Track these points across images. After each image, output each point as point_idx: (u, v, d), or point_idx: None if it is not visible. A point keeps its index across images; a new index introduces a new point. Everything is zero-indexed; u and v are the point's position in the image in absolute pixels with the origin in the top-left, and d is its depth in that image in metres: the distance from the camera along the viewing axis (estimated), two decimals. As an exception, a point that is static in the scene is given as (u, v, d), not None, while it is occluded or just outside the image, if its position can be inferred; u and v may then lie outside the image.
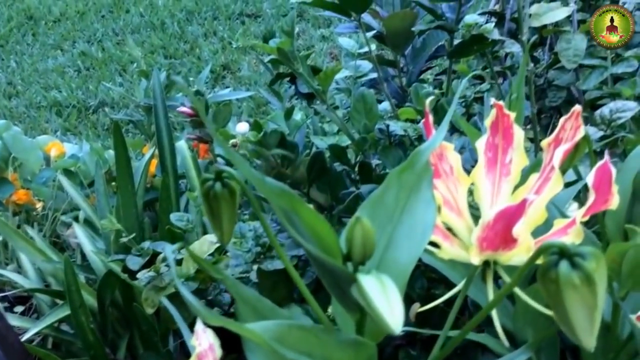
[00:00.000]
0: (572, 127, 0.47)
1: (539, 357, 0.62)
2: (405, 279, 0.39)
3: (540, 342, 0.56)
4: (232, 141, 0.79)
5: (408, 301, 0.40)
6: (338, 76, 0.97)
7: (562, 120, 0.47)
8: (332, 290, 0.38)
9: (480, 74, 1.18)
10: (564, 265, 0.34)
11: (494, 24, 1.02)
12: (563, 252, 0.34)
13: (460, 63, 0.95)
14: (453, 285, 0.49)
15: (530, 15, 1.04)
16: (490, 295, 0.43)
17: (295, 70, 0.77)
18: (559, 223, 0.45)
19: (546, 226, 0.45)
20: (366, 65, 0.99)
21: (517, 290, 0.37)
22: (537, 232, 0.45)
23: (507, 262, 0.44)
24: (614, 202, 0.43)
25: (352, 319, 0.40)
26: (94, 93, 2.98)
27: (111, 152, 1.59)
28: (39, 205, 1.67)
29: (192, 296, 0.36)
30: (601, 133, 0.78)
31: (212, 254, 0.83)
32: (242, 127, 0.77)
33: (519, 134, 0.49)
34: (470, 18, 0.88)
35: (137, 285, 0.98)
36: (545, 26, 1.18)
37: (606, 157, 0.45)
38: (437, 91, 0.90)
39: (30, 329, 1.15)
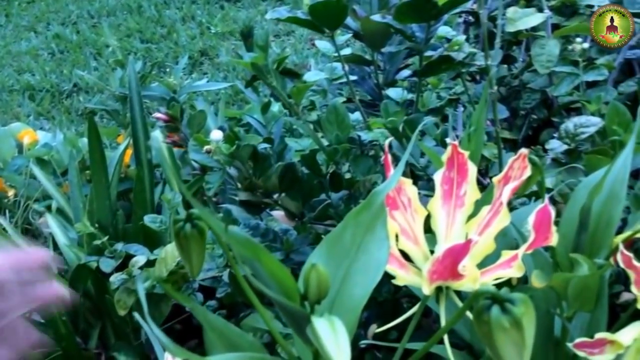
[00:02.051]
0: (520, 167, 0.53)
1: None
2: (358, 311, 0.43)
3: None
4: (206, 147, 0.79)
5: (374, 305, 0.43)
6: (316, 78, 0.98)
7: (510, 160, 0.52)
8: (292, 326, 0.42)
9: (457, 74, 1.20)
10: (495, 310, 0.38)
11: (461, 32, 1.04)
12: (495, 298, 0.38)
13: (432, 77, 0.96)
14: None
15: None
16: (443, 318, 0.46)
17: (269, 84, 0.78)
18: (506, 255, 0.49)
19: (496, 255, 0.49)
20: (339, 66, 1.00)
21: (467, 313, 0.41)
22: (488, 260, 0.49)
23: (458, 289, 0.49)
24: (553, 239, 0.48)
25: (309, 350, 0.43)
26: (68, 77, 2.95)
27: (85, 140, 1.58)
28: (10, 193, 1.66)
29: (159, 330, 0.39)
30: (565, 147, 0.80)
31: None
32: (216, 135, 0.78)
33: (472, 169, 0.53)
34: (442, 30, 0.90)
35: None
36: (520, 30, 1.19)
37: (546, 200, 0.49)
38: (408, 95, 0.91)
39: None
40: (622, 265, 0.50)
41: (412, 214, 0.52)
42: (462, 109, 0.98)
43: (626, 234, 0.56)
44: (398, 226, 0.52)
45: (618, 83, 1.20)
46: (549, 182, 0.77)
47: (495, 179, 0.52)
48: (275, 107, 1.47)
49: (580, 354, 0.51)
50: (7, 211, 1.62)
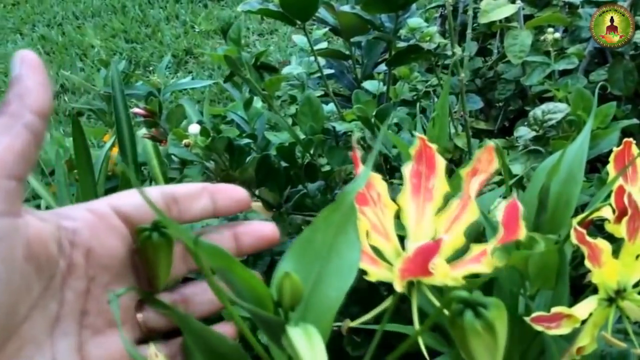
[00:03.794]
0: (487, 160, 0.52)
1: None
2: (333, 313, 0.44)
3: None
4: (185, 141, 0.82)
5: (352, 290, 0.45)
6: (293, 72, 1.00)
7: (477, 152, 0.52)
8: (267, 334, 0.43)
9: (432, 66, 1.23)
10: (468, 315, 0.39)
11: (437, 25, 1.06)
12: (467, 303, 0.40)
13: (403, 67, 0.99)
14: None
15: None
16: (415, 314, 0.48)
17: (242, 77, 0.80)
18: (476, 249, 0.50)
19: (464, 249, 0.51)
20: (319, 61, 1.03)
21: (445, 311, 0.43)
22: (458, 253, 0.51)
23: (429, 283, 0.50)
24: (522, 233, 0.49)
25: (285, 357, 0.44)
26: (54, 78, 2.96)
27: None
28: None
29: (130, 345, 0.41)
30: (534, 133, 0.83)
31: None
32: (194, 129, 0.80)
33: (440, 162, 0.54)
34: (415, 22, 0.92)
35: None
36: (494, 22, 1.22)
37: (514, 195, 0.50)
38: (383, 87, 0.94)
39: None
40: (575, 241, 0.52)
41: (382, 209, 0.53)
42: (434, 99, 1.00)
43: (584, 214, 0.58)
44: (368, 222, 0.52)
45: (590, 72, 1.23)
46: (517, 169, 0.79)
47: (463, 172, 0.52)
48: (259, 103, 1.50)
49: (538, 328, 0.53)
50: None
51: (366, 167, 0.43)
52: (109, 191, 1.54)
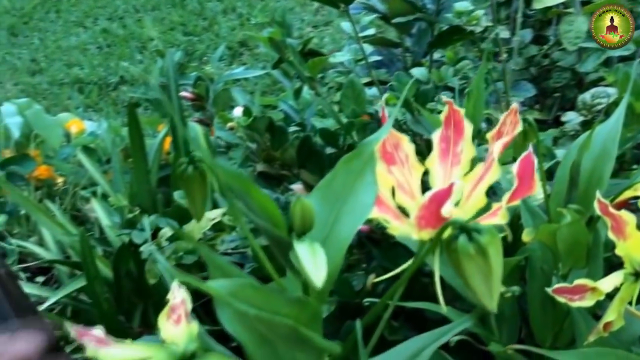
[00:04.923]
0: (512, 122, 0.53)
1: (500, 327, 0.66)
2: (345, 249, 0.47)
3: (481, 312, 0.61)
4: (229, 124, 0.83)
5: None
6: (339, 59, 1.00)
7: (502, 115, 0.52)
8: (280, 257, 0.45)
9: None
10: (462, 238, 0.41)
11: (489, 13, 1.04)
12: (463, 228, 0.41)
13: (448, 50, 0.97)
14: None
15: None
16: (437, 271, 0.47)
17: (286, 60, 0.80)
18: (495, 206, 0.51)
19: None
20: (366, 48, 1.02)
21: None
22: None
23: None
24: (536, 188, 0.48)
25: (299, 282, 0.46)
26: (114, 70, 3.04)
27: (129, 129, 1.64)
28: (60, 181, 1.73)
29: (162, 257, 0.42)
30: (582, 118, 0.80)
31: (212, 230, 0.89)
32: (238, 112, 0.81)
33: (468, 127, 0.54)
34: (461, 5, 0.91)
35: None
36: (550, 8, 1.19)
37: (530, 148, 0.49)
38: (429, 74, 0.93)
39: (50, 298, 1.21)
40: (598, 212, 0.51)
41: (409, 170, 0.54)
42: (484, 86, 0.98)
43: (619, 192, 0.57)
44: (395, 181, 0.53)
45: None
46: (561, 154, 0.77)
47: (488, 135, 0.53)
48: (309, 94, 1.51)
49: (560, 299, 0.52)
50: (56, 198, 1.69)
51: (388, 122, 0.44)
52: (162, 179, 1.58)
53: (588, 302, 0.52)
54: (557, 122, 1.29)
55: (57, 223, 1.39)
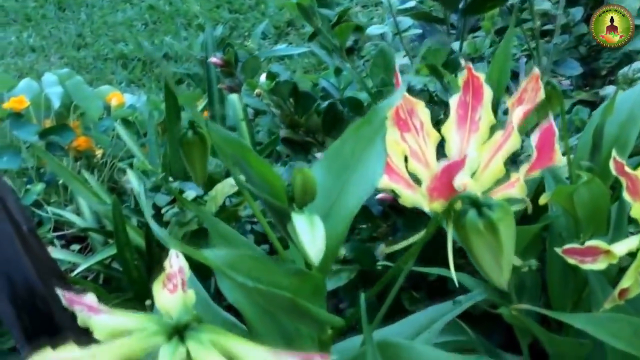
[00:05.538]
0: (533, 89, 0.50)
1: (520, 297, 0.64)
2: (350, 219, 0.45)
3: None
4: (256, 91, 0.81)
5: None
6: (377, 32, 0.97)
7: (524, 82, 0.49)
8: (281, 229, 0.43)
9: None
10: (471, 213, 0.39)
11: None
12: (473, 203, 0.39)
13: (486, 20, 0.94)
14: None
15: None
16: (449, 241, 0.45)
17: (314, 26, 0.78)
18: (514, 177, 0.48)
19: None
20: (407, 21, 0.99)
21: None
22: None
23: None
24: (558, 159, 0.46)
25: (301, 253, 0.44)
26: (159, 46, 3.06)
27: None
28: (98, 152, 1.75)
29: (156, 225, 0.41)
30: (620, 92, 0.76)
31: (234, 196, 0.88)
32: (265, 78, 0.80)
33: (488, 93, 0.51)
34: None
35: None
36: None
37: (550, 118, 0.47)
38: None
39: (82, 265, 1.22)
40: (614, 172, 0.48)
41: (423, 137, 0.51)
42: (524, 60, 0.95)
43: None
44: (408, 148, 0.51)
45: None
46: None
47: (509, 102, 0.50)
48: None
49: (571, 260, 0.49)
50: (95, 170, 1.71)
51: (401, 87, 0.42)
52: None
53: (600, 264, 0.49)
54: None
55: (93, 193, 1.41)
